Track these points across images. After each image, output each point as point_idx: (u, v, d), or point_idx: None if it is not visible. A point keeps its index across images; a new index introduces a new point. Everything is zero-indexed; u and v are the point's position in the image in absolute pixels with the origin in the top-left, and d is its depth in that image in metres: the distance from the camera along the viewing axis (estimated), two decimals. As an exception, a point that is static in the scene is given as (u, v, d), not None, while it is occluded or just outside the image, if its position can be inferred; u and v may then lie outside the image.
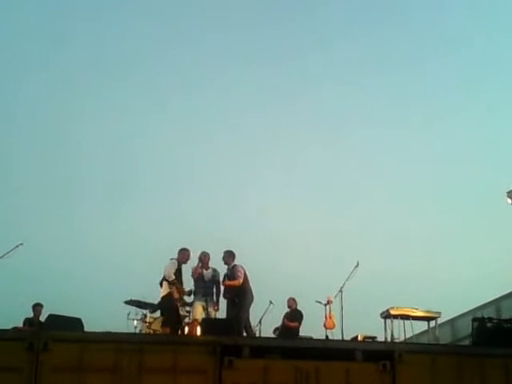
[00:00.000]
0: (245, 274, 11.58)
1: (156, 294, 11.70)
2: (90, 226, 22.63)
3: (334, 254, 20.46)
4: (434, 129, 24.75)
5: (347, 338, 12.11)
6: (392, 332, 12.88)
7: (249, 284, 11.64)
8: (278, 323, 13.37)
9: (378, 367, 8.78)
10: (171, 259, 11.49)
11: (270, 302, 13.23)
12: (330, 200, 24.07)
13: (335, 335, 12.63)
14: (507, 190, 15.05)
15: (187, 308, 11.88)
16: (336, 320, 12.91)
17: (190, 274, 11.61)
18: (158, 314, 12.20)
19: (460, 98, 24.80)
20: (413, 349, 9.62)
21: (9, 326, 10.29)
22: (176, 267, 11.40)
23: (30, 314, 12.46)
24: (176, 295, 11.27)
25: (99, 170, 24.26)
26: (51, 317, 9.53)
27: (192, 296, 11.71)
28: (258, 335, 12.50)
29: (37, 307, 12.45)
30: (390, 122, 25.26)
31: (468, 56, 24.61)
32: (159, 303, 11.69)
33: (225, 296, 11.61)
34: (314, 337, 12.02)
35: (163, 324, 11.38)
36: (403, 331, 12.98)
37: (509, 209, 15.08)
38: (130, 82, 25.14)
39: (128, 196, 23.75)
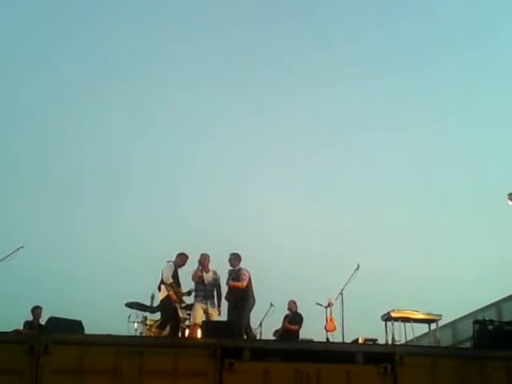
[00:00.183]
0: (249, 278, 11.61)
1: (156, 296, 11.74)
2: (89, 227, 22.54)
3: (334, 252, 20.44)
4: (434, 129, 24.74)
5: (348, 340, 12.10)
6: (393, 334, 12.82)
7: (252, 288, 11.67)
8: (279, 325, 13.36)
9: (378, 370, 8.80)
10: (168, 262, 11.54)
11: (271, 305, 13.19)
12: (330, 199, 24.00)
13: (336, 338, 12.63)
14: (508, 192, 15.00)
15: (188, 311, 11.88)
16: (337, 322, 12.91)
17: (191, 277, 11.62)
18: (158, 316, 12.19)
19: (460, 99, 24.77)
20: (414, 351, 9.62)
21: (10, 329, 10.28)
22: (173, 270, 11.46)
23: (30, 317, 12.43)
24: (174, 297, 11.31)
25: (99, 170, 24.19)
26: (52, 319, 9.55)
27: (192, 296, 11.72)
28: (258, 338, 12.49)
29: (36, 310, 12.41)
30: (390, 122, 25.21)
31: (467, 58, 24.59)
32: (158, 306, 11.72)
33: (227, 298, 11.63)
34: (315, 339, 11.99)
35: (159, 327, 11.43)
36: (404, 334, 12.94)
37: (510, 210, 15.03)
38: (129, 81, 25.06)
39: (127, 195, 23.66)
